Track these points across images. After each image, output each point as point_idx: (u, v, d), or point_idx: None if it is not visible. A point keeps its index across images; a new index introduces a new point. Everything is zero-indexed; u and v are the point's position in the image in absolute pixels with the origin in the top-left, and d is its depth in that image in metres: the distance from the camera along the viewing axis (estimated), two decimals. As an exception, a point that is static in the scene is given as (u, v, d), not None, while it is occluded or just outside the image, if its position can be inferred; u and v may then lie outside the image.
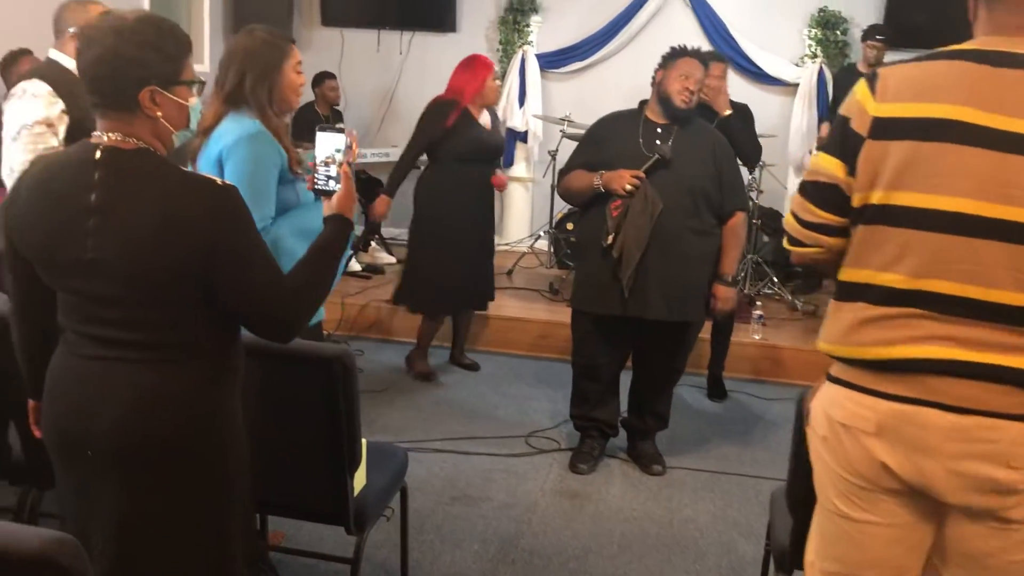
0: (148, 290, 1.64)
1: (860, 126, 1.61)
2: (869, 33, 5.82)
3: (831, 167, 1.65)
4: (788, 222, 1.76)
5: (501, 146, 4.69)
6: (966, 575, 1.65)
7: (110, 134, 1.65)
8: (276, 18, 6.51)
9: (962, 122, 1.53)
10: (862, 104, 1.61)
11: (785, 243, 1.79)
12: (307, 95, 5.60)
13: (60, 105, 2.84)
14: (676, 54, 3.53)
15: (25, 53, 4.38)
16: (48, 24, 4.38)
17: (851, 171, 1.62)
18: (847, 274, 1.68)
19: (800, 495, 2.21)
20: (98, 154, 1.64)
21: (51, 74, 2.91)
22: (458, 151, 4.40)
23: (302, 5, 7.24)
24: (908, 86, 1.59)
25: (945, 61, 1.59)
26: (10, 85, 4.36)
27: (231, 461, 1.78)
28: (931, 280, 1.56)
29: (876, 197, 1.60)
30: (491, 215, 4.68)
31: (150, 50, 1.62)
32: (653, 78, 3.57)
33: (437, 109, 4.41)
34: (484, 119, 4.49)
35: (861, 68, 5.87)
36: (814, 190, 1.69)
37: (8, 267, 1.76)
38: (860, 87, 1.63)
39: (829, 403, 1.70)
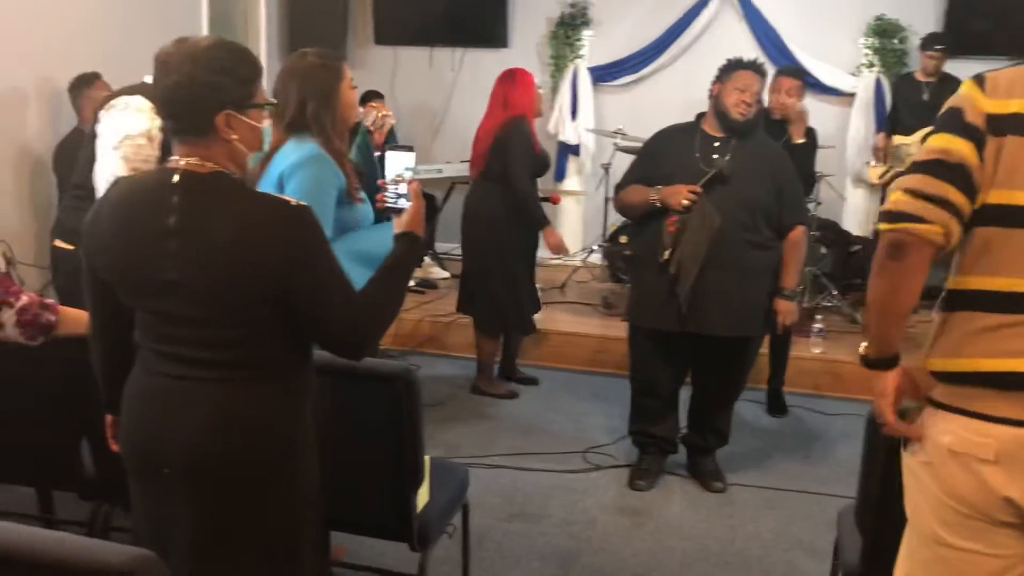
0: (225, 310, 1.67)
1: (976, 119, 1.52)
2: (928, 42, 5.72)
3: (959, 147, 1.52)
4: (899, 199, 1.56)
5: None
6: None
7: (187, 158, 1.69)
8: (331, 38, 6.61)
9: None
10: (973, 100, 1.54)
11: (885, 224, 1.58)
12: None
13: (159, 122, 2.93)
14: (733, 67, 3.51)
15: (96, 77, 4.50)
16: (114, 51, 4.52)
17: (980, 158, 1.51)
18: (960, 281, 1.58)
19: (871, 514, 2.18)
20: (176, 178, 1.68)
21: (150, 93, 3.01)
22: (535, 171, 4.46)
23: (356, 24, 7.33)
24: (1019, 84, 1.52)
25: None
26: (80, 107, 4.51)
27: (304, 478, 1.80)
28: None
29: (990, 197, 1.51)
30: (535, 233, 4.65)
31: (225, 75, 1.66)
32: (710, 91, 3.55)
33: (523, 129, 4.38)
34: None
35: (919, 77, 5.78)
36: (940, 166, 1.53)
37: (87, 287, 1.81)
38: (967, 85, 1.56)
39: (936, 430, 1.60)
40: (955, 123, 1.54)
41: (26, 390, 2.28)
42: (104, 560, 1.29)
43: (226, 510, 1.72)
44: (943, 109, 1.59)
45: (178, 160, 1.70)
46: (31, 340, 2.20)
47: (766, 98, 4.46)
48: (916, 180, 1.55)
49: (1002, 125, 1.50)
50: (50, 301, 2.23)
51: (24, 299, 2.17)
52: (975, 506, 1.55)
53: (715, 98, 3.51)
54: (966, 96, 1.55)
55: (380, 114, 2.96)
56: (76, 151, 4.44)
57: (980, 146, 1.51)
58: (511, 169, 4.33)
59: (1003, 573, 1.60)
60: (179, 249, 1.65)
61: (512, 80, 4.48)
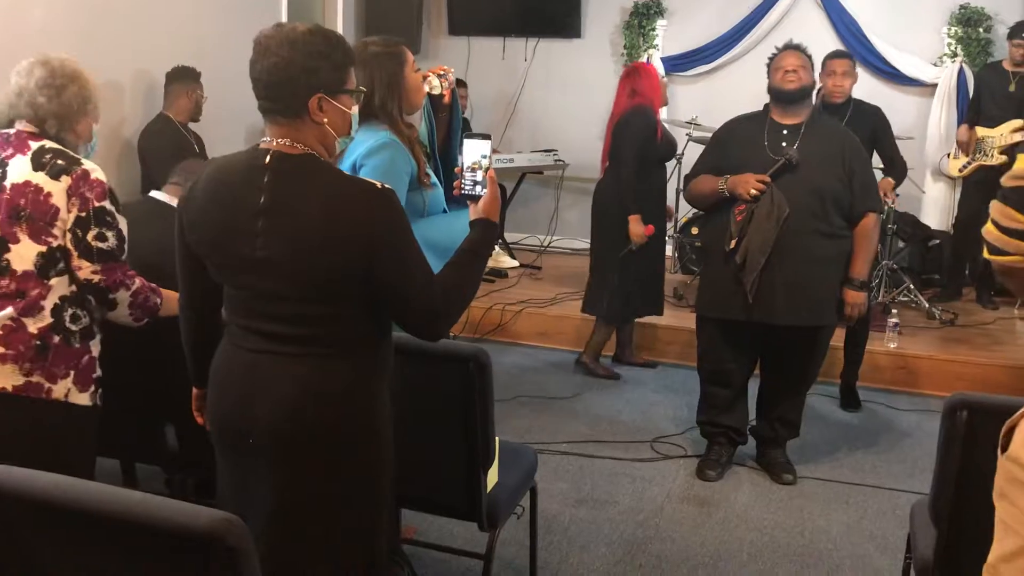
0: (312, 288, 1.72)
1: None
2: (1016, 31, 5.53)
3: None
4: (988, 230, 1.61)
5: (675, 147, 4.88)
6: None
7: (279, 139, 1.75)
8: (406, 28, 6.69)
9: None
10: None
11: (985, 252, 1.69)
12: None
13: None
14: (771, 57, 3.57)
15: (199, 75, 4.68)
16: (201, 44, 4.65)
17: None
18: None
19: (946, 508, 2.14)
20: (267, 158, 1.74)
21: None
22: (660, 157, 4.62)
23: (430, 15, 7.41)
24: None
25: None
26: (175, 98, 4.66)
27: (382, 453, 1.85)
28: None
29: None
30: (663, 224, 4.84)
31: (321, 59, 1.71)
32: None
33: (642, 116, 4.51)
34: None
35: (1007, 67, 5.60)
36: (1017, 195, 1.57)
37: (180, 262, 1.89)
38: None
39: None
40: None
41: (117, 366, 2.37)
42: (190, 521, 1.35)
43: (307, 481, 1.77)
44: None
45: (270, 141, 1.76)
46: (138, 321, 2.32)
47: (820, 83, 4.43)
48: (997, 210, 1.59)
49: None
50: (155, 285, 2.33)
51: (138, 282, 2.28)
52: None
53: (770, 85, 3.52)
54: None
55: (437, 73, 2.91)
56: (163, 139, 4.60)
57: None
58: (620, 152, 4.51)
59: None
60: (269, 227, 1.71)
61: (637, 73, 4.67)
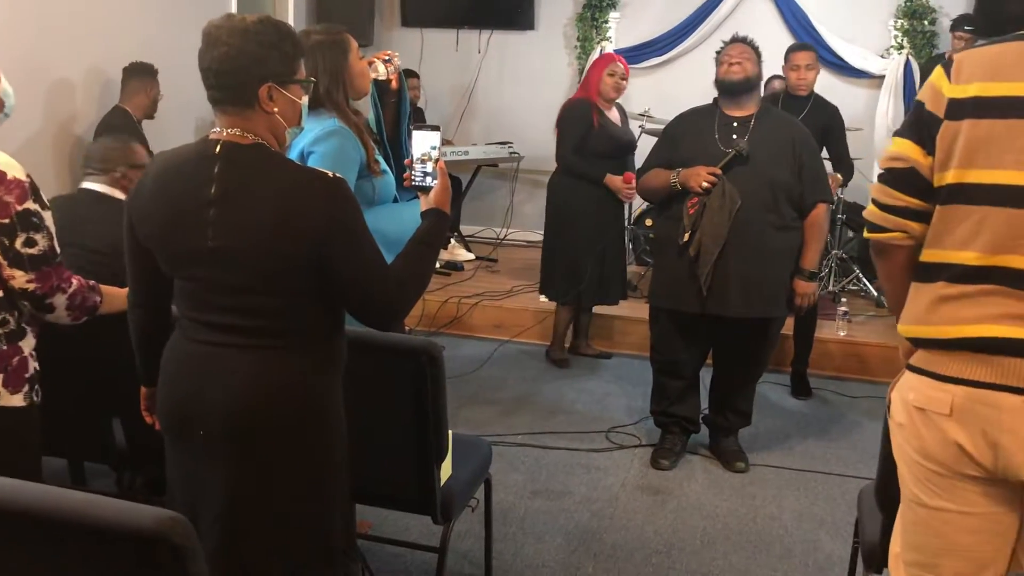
0: (262, 278, 1.71)
1: (936, 108, 1.63)
2: (958, 23, 5.63)
3: (907, 150, 1.67)
4: (869, 210, 1.78)
5: (632, 142, 4.75)
6: None
7: (229, 130, 1.74)
8: (358, 20, 6.64)
9: None
10: (938, 87, 1.64)
11: (866, 232, 1.80)
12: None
13: None
14: (718, 52, 3.58)
15: (156, 73, 4.60)
16: (151, 38, 4.56)
17: (929, 152, 1.64)
18: (926, 255, 1.68)
19: (890, 491, 2.18)
20: (218, 148, 1.73)
21: None
22: (598, 151, 4.55)
23: (383, 6, 7.36)
24: (982, 67, 1.60)
25: (1017, 43, 1.60)
26: (132, 93, 4.57)
27: (336, 447, 1.85)
28: (1007, 256, 1.57)
29: (951, 176, 1.61)
30: (621, 213, 4.83)
31: (270, 49, 1.71)
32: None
33: (576, 111, 4.56)
34: (614, 115, 4.61)
35: (950, 58, 5.70)
36: (892, 175, 1.71)
37: (129, 255, 1.86)
38: (936, 72, 1.66)
39: (906, 389, 1.71)
40: (911, 123, 1.69)
41: (62, 365, 2.33)
42: (135, 522, 1.33)
43: (259, 475, 1.76)
44: (914, 100, 1.72)
45: (220, 131, 1.75)
46: (76, 321, 2.26)
47: (786, 75, 4.51)
48: (876, 190, 1.75)
49: (961, 110, 1.60)
50: (93, 282, 2.28)
51: (75, 283, 2.22)
52: (940, 460, 1.65)
53: (716, 79, 3.55)
54: (932, 84, 1.66)
55: (382, 58, 2.88)
56: (124, 133, 4.51)
57: (931, 137, 1.63)
58: (557, 147, 4.63)
59: (976, 533, 1.66)
60: (219, 217, 1.69)
61: (593, 63, 4.74)
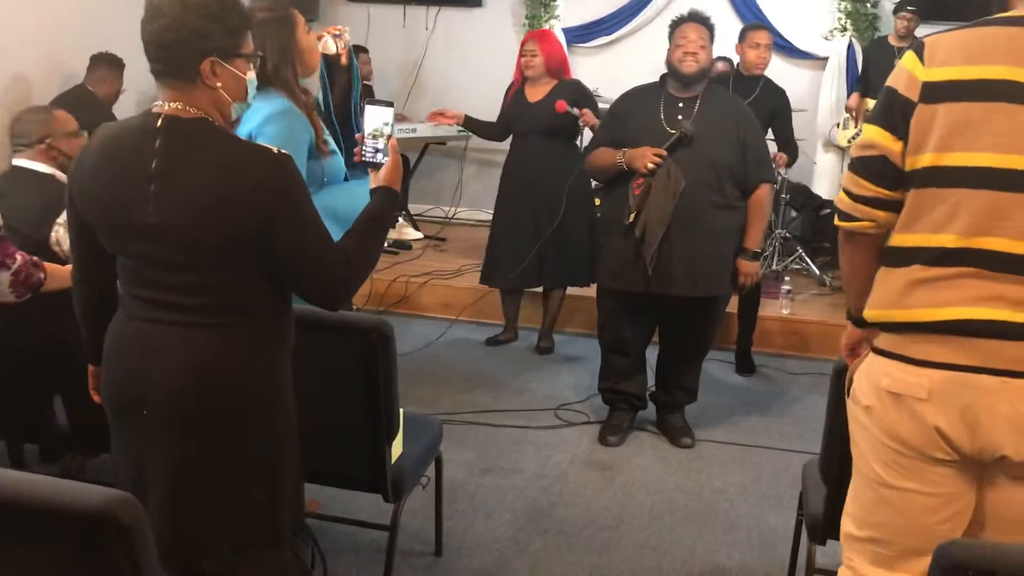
0: (206, 255, 1.68)
1: (910, 92, 1.63)
2: (901, 5, 5.76)
3: (877, 137, 1.67)
4: (840, 198, 1.78)
5: (544, 119, 4.50)
6: (1006, 539, 1.67)
7: (171, 103, 1.70)
8: (303, -6, 6.52)
9: (1011, 82, 1.55)
10: (911, 71, 1.64)
11: (836, 220, 1.81)
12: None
13: None
14: (674, 25, 3.54)
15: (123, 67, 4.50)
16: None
17: (900, 137, 1.64)
18: (898, 239, 1.69)
19: (834, 464, 2.24)
20: (159, 122, 1.69)
21: None
22: (512, 128, 4.62)
23: (329, -19, 7.24)
24: (958, 51, 1.61)
25: (992, 27, 1.61)
26: (98, 80, 4.44)
27: (284, 426, 1.83)
28: (983, 238, 1.58)
29: (926, 160, 1.62)
30: (551, 193, 4.52)
31: (214, 22, 1.67)
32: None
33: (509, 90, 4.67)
34: (539, 92, 4.52)
35: (892, 41, 5.81)
36: (863, 164, 1.71)
37: (72, 232, 1.82)
38: (908, 57, 1.66)
39: (878, 374, 1.71)
40: (881, 108, 1.68)
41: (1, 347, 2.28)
42: (82, 501, 1.31)
43: (204, 455, 1.74)
44: (884, 86, 1.70)
45: (162, 104, 1.71)
46: (20, 298, 2.21)
47: (742, 54, 4.53)
48: (847, 180, 1.76)
49: (936, 93, 1.60)
50: (37, 259, 2.23)
51: (19, 260, 2.17)
52: (912, 445, 1.67)
53: (667, 61, 3.53)
54: (904, 71, 1.65)
55: (332, 33, 2.83)
56: (90, 107, 4.38)
57: (905, 122, 1.63)
58: None
59: (937, 512, 1.70)
60: (161, 193, 1.66)
61: None
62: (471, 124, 4.85)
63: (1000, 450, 1.60)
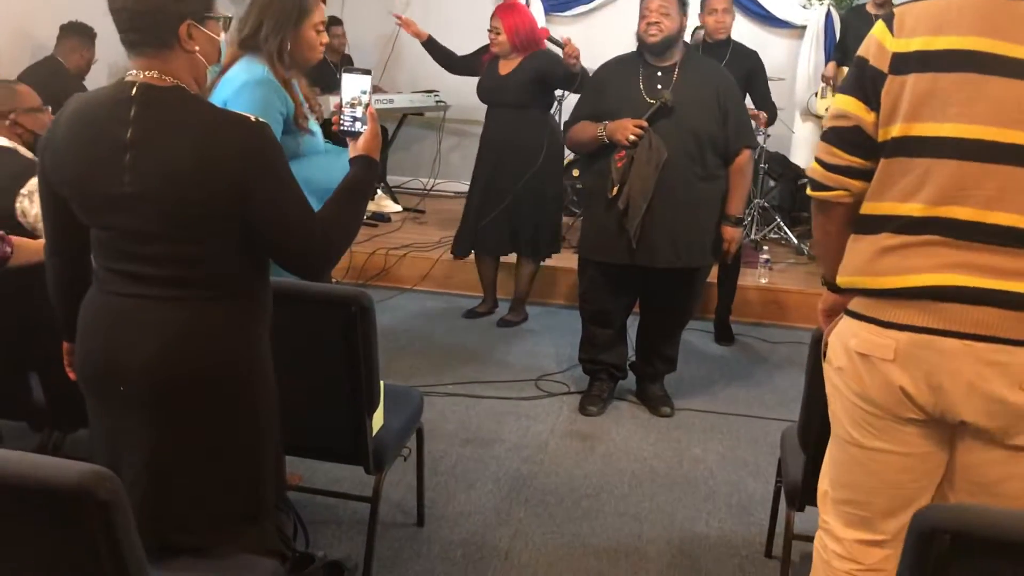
0: (182, 226, 1.66)
1: (880, 63, 1.64)
2: (878, -27, 5.74)
3: (851, 108, 1.68)
4: (813, 168, 1.80)
5: (513, 91, 4.49)
6: (975, 501, 1.70)
7: (146, 72, 1.67)
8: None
9: (980, 52, 1.56)
10: (880, 42, 1.65)
11: (809, 190, 1.82)
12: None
13: None
14: None
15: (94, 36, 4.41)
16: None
17: (873, 108, 1.65)
18: (869, 207, 1.71)
19: (813, 431, 2.25)
20: (134, 91, 1.66)
21: None
22: (486, 99, 4.64)
23: (303, -50, 7.13)
24: (925, 21, 1.62)
25: None
26: (68, 52, 4.35)
27: (264, 398, 1.82)
28: (950, 207, 1.60)
29: (896, 130, 1.63)
30: (523, 164, 4.47)
31: None
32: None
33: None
34: (510, 64, 4.52)
35: (870, 9, 5.79)
36: (836, 134, 1.73)
37: (44, 205, 1.78)
38: (878, 27, 1.67)
39: (847, 335, 1.75)
40: (853, 79, 1.69)
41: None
42: (59, 477, 1.30)
43: (182, 429, 1.73)
44: (856, 56, 1.71)
45: (136, 73, 1.67)
46: None
47: (701, 21, 4.52)
48: (821, 150, 1.77)
49: (905, 64, 1.61)
50: (3, 233, 2.20)
51: None
52: (881, 404, 1.70)
53: (636, 33, 3.50)
54: (874, 41, 1.66)
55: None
56: (59, 80, 4.30)
57: (876, 93, 1.64)
58: None
59: (909, 471, 1.74)
60: (135, 161, 1.63)
61: None
62: (431, 45, 5.00)
63: (959, 416, 1.63)
